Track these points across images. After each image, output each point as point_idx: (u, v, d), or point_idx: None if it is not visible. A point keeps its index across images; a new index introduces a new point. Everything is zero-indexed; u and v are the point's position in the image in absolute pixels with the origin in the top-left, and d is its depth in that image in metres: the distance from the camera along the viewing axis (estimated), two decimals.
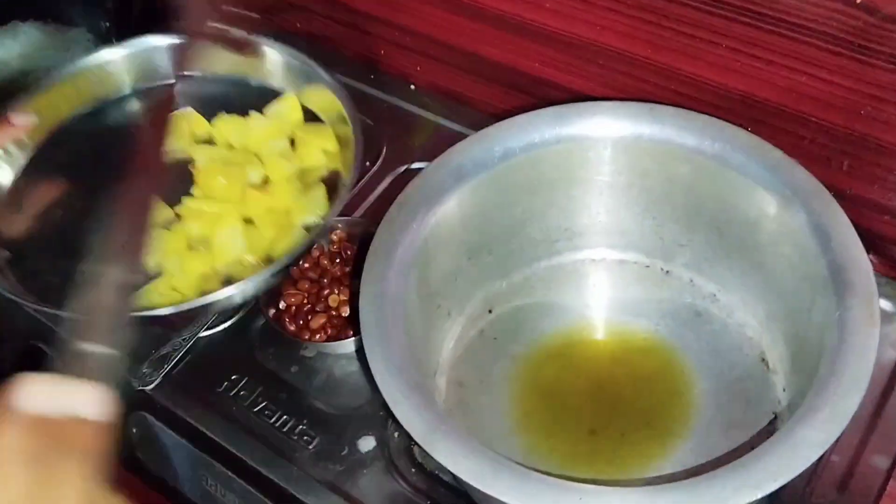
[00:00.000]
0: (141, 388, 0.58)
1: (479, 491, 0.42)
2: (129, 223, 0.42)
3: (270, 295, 0.60)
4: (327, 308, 0.59)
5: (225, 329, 0.62)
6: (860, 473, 0.52)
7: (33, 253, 0.64)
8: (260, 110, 0.71)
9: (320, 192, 0.66)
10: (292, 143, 0.70)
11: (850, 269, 0.47)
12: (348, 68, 0.77)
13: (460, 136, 0.56)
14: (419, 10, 0.72)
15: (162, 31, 0.74)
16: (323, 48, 0.80)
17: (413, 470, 0.54)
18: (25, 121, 0.69)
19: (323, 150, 0.69)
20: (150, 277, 0.61)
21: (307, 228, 0.63)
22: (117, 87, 0.75)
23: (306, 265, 0.62)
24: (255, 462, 0.55)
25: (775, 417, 0.53)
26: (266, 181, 0.67)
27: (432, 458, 0.53)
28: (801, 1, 0.53)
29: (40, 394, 0.35)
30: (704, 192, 0.55)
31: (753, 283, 0.56)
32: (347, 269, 0.61)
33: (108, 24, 0.80)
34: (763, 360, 0.56)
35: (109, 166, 0.48)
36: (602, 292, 0.61)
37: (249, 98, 0.73)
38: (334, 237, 0.63)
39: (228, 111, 0.72)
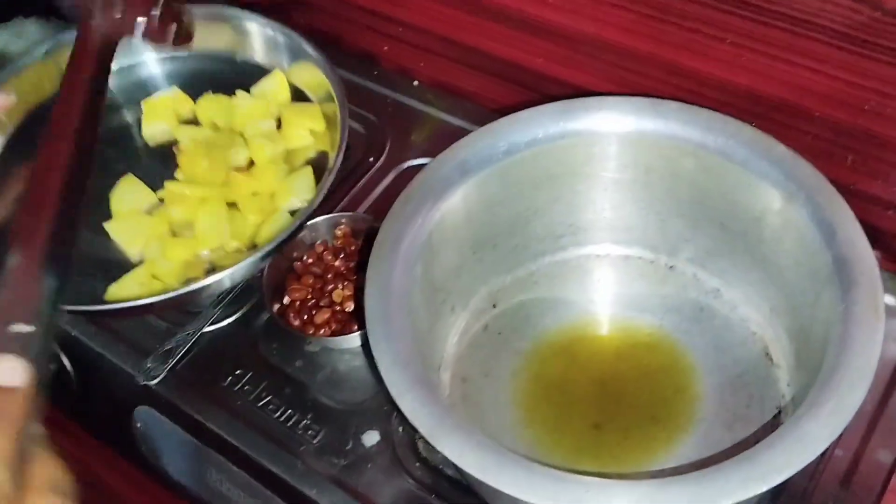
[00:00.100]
0: (145, 382, 0.59)
1: (484, 484, 0.42)
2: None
3: (275, 290, 0.60)
4: (332, 303, 0.59)
5: (229, 324, 0.62)
6: (864, 468, 0.52)
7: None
8: (247, 88, 0.70)
9: (307, 176, 0.64)
10: (279, 123, 0.68)
11: (854, 264, 0.47)
12: (351, 64, 0.77)
13: (463, 132, 0.56)
14: (422, 5, 0.73)
15: None
16: (325, 44, 0.79)
17: (417, 464, 0.54)
18: (3, 101, 0.67)
19: (310, 131, 0.67)
20: (132, 265, 0.61)
21: (293, 213, 0.62)
22: None
23: (310, 260, 0.62)
24: (259, 456, 0.55)
25: (779, 412, 0.53)
26: (251, 164, 0.66)
27: (436, 452, 0.53)
28: None
29: None
30: (708, 187, 0.55)
31: (757, 278, 0.56)
32: (351, 264, 0.61)
33: None
34: (767, 354, 0.56)
35: None
36: (606, 287, 0.61)
37: (236, 75, 0.71)
38: (338, 232, 0.63)
39: (215, 90, 0.70)
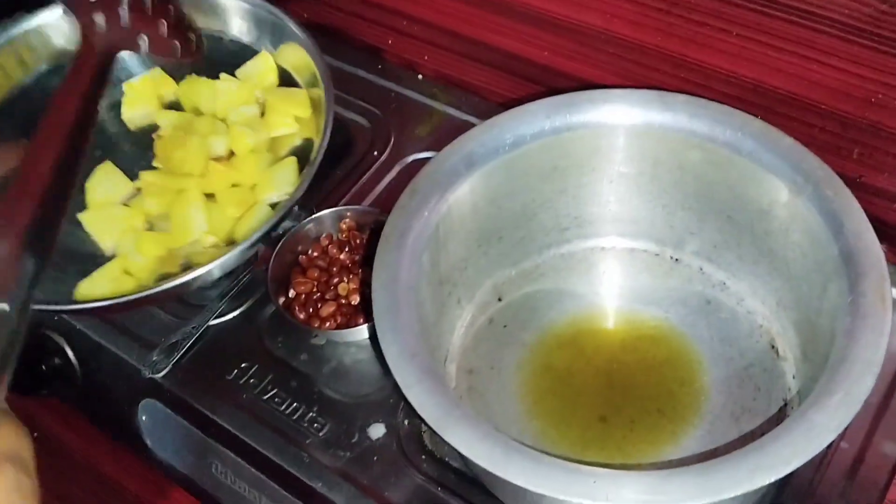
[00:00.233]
0: (151, 375, 0.59)
1: (491, 475, 0.42)
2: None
3: (280, 283, 0.60)
4: (337, 296, 0.59)
5: (235, 317, 0.62)
6: (869, 460, 0.52)
7: None
8: (234, 69, 0.67)
9: (290, 167, 0.61)
10: (265, 108, 0.65)
11: (861, 255, 0.47)
12: (355, 57, 0.77)
13: (468, 126, 0.56)
14: None
15: None
16: (330, 38, 0.79)
17: (423, 457, 0.54)
18: None
19: (295, 118, 0.64)
20: (106, 258, 0.59)
21: (273, 206, 0.59)
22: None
23: (315, 254, 0.62)
24: (265, 449, 0.55)
25: (785, 404, 0.53)
26: (232, 153, 0.62)
27: (442, 444, 0.53)
28: None
29: None
30: (715, 179, 0.55)
31: (763, 270, 0.56)
32: (356, 257, 0.61)
33: None
34: (773, 347, 0.56)
35: None
36: (612, 280, 0.61)
37: (223, 56, 0.68)
38: (343, 226, 0.63)
39: (200, 71, 0.67)
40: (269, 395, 0.58)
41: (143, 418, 0.60)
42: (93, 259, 0.60)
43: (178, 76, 0.68)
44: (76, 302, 0.57)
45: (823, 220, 0.49)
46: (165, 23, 0.54)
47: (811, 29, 0.55)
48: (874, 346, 0.43)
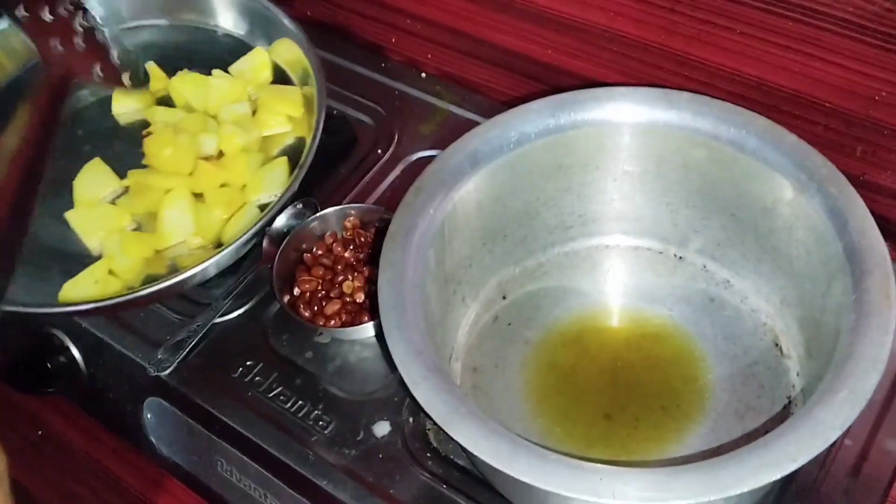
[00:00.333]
0: (156, 373, 0.59)
1: (497, 473, 0.42)
2: None
3: (284, 281, 0.60)
4: (342, 294, 0.59)
5: (239, 315, 0.62)
6: (873, 458, 0.52)
7: None
8: (228, 65, 0.66)
9: (281, 167, 0.60)
10: (257, 106, 0.63)
11: (866, 253, 0.47)
12: (359, 56, 0.77)
13: (471, 124, 0.56)
14: None
15: None
16: (333, 36, 0.80)
17: (428, 454, 0.54)
18: None
19: (288, 117, 0.63)
20: (93, 258, 0.59)
21: (262, 207, 0.58)
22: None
23: (320, 252, 0.62)
24: (270, 447, 0.55)
25: (789, 402, 0.53)
26: (221, 153, 0.61)
27: (447, 441, 0.53)
28: None
29: None
30: (719, 177, 0.55)
31: (767, 268, 0.56)
32: (361, 255, 0.61)
33: None
34: (777, 344, 0.56)
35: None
36: (616, 278, 0.61)
37: (217, 51, 0.67)
38: (348, 224, 0.63)
39: (193, 66, 0.65)
40: (273, 392, 0.58)
41: (148, 416, 0.60)
42: (80, 259, 0.59)
43: (172, 69, 0.67)
44: (58, 305, 0.56)
45: (827, 217, 0.49)
46: (115, 52, 0.56)
47: (815, 27, 0.55)
48: (879, 344, 0.44)
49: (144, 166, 0.64)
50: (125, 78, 0.57)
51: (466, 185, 0.54)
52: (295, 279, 0.60)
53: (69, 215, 0.61)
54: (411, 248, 0.50)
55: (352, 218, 0.63)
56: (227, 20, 0.69)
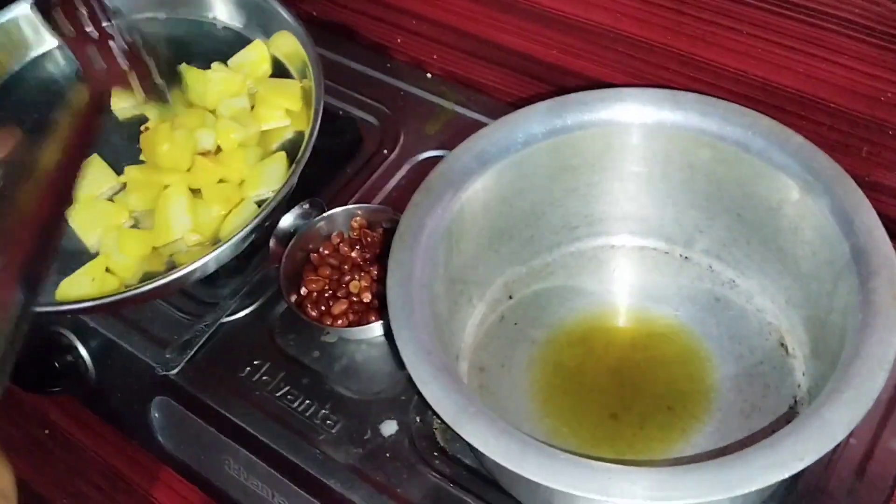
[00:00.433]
0: (163, 373, 0.59)
1: (506, 472, 0.42)
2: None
3: (291, 281, 0.60)
4: (348, 294, 0.59)
5: (247, 315, 0.62)
6: (878, 457, 0.52)
7: None
8: (226, 59, 0.65)
9: (279, 162, 0.59)
10: (255, 100, 0.63)
11: (872, 253, 0.47)
12: (364, 56, 0.77)
13: (477, 125, 0.56)
14: None
15: None
16: (338, 36, 0.80)
17: (435, 453, 0.54)
18: None
19: (286, 111, 0.62)
20: (91, 255, 0.58)
21: (259, 203, 0.58)
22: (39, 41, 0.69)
23: (326, 252, 0.62)
24: (277, 446, 0.56)
25: (795, 402, 0.54)
26: (218, 148, 0.61)
27: (455, 441, 0.54)
28: None
29: None
30: (725, 177, 0.55)
31: (773, 268, 0.56)
32: (368, 255, 0.61)
33: None
34: (782, 344, 0.56)
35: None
36: (622, 278, 0.61)
37: (217, 44, 0.67)
38: (354, 224, 0.63)
39: (192, 60, 0.65)
40: (281, 392, 0.58)
41: (156, 415, 0.60)
42: (77, 256, 0.59)
43: (168, 65, 0.66)
44: (55, 303, 0.56)
45: (833, 218, 0.50)
46: (154, 64, 0.56)
47: (820, 27, 0.55)
48: (886, 343, 0.44)
49: (142, 162, 0.63)
50: (162, 89, 0.58)
51: (474, 186, 0.54)
52: (302, 279, 0.61)
53: (67, 212, 0.61)
54: (419, 249, 0.50)
55: (358, 218, 0.63)
56: (224, 12, 0.69)
